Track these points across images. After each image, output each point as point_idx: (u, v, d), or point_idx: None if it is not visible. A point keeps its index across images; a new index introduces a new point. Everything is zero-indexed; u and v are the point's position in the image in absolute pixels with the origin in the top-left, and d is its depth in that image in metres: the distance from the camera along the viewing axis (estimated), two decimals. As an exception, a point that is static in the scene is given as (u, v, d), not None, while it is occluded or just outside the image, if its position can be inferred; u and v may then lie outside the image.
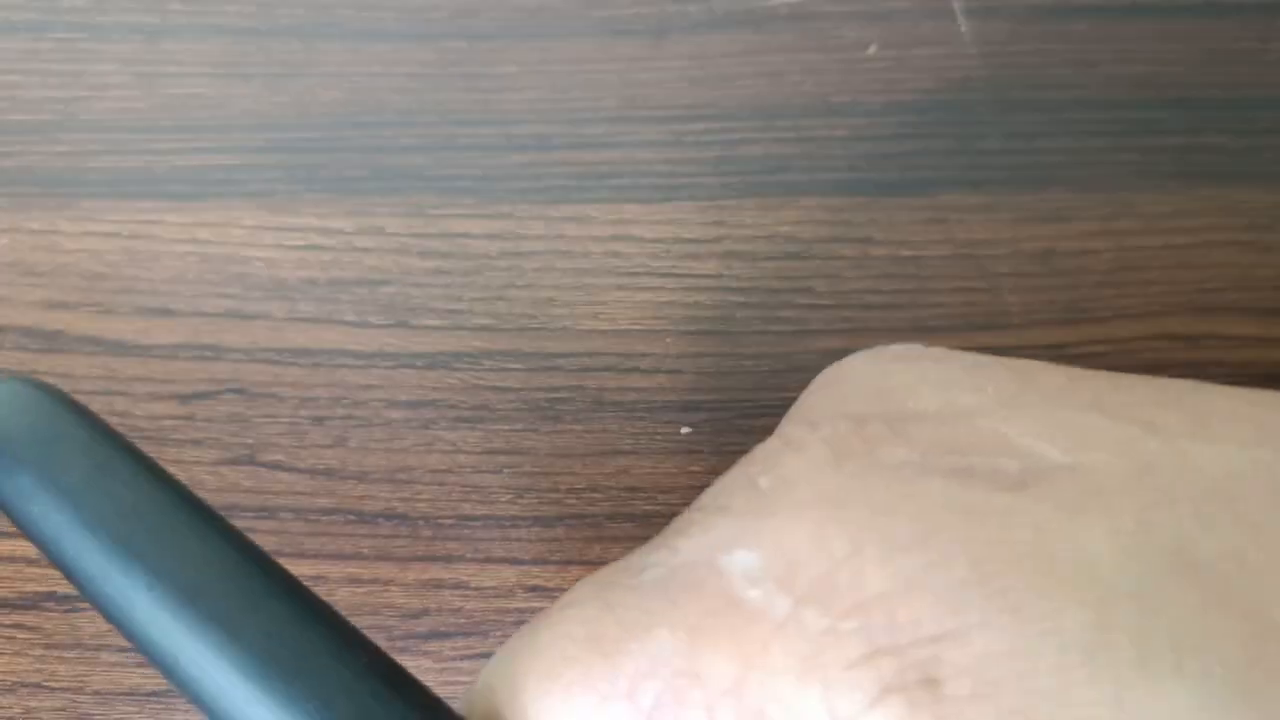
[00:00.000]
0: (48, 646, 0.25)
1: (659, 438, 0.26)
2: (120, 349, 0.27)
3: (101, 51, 0.30)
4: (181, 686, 0.16)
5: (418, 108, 0.29)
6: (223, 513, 0.26)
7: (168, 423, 0.26)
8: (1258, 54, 0.29)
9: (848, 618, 0.14)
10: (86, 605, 0.25)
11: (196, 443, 0.26)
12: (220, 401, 0.26)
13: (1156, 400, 0.16)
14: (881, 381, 0.17)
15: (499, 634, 0.25)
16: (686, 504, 0.26)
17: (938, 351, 0.18)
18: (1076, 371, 0.17)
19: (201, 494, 0.25)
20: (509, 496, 0.26)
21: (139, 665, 0.25)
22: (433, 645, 0.25)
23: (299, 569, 0.25)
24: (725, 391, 0.27)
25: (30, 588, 0.25)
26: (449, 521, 0.26)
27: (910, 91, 0.29)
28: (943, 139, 0.29)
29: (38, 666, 0.25)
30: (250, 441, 0.26)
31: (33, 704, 0.25)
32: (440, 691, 0.25)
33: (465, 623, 0.25)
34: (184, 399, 0.27)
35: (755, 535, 0.15)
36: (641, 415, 0.27)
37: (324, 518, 0.26)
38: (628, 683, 0.15)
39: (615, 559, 0.26)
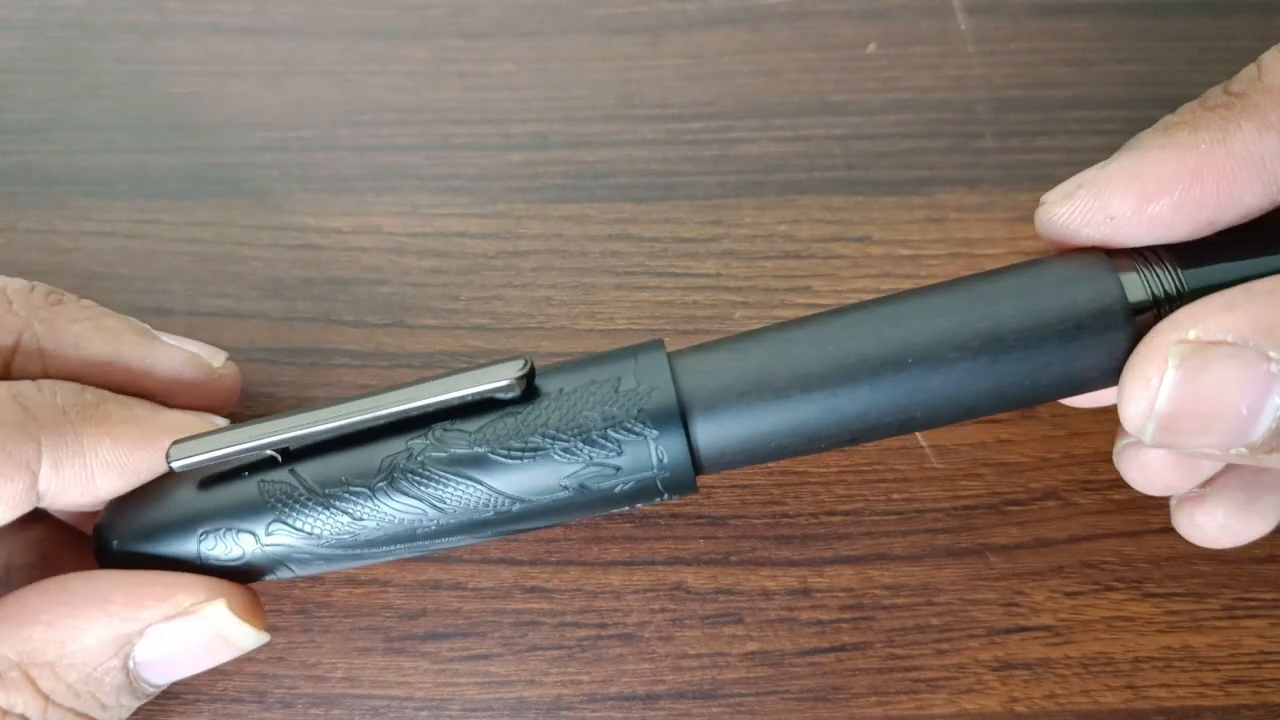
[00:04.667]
0: (44, 647, 0.25)
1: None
2: (116, 349, 0.27)
3: (97, 50, 0.29)
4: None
5: (414, 106, 0.29)
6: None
7: (164, 423, 0.26)
8: (1254, 53, 0.29)
9: None
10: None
11: (193, 443, 0.26)
12: (217, 401, 0.26)
13: None
14: None
15: (497, 635, 0.25)
16: (685, 504, 0.26)
17: None
18: None
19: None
20: (506, 496, 0.26)
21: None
22: (430, 646, 0.25)
23: (296, 569, 0.25)
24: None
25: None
26: (446, 521, 0.26)
27: (908, 90, 0.29)
28: (941, 138, 0.28)
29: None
30: (247, 441, 0.26)
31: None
32: (438, 692, 0.25)
33: (463, 623, 0.25)
34: (181, 399, 0.26)
35: None
36: (639, 415, 0.26)
37: (321, 518, 0.26)
38: None
39: (613, 559, 0.26)
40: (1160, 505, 0.26)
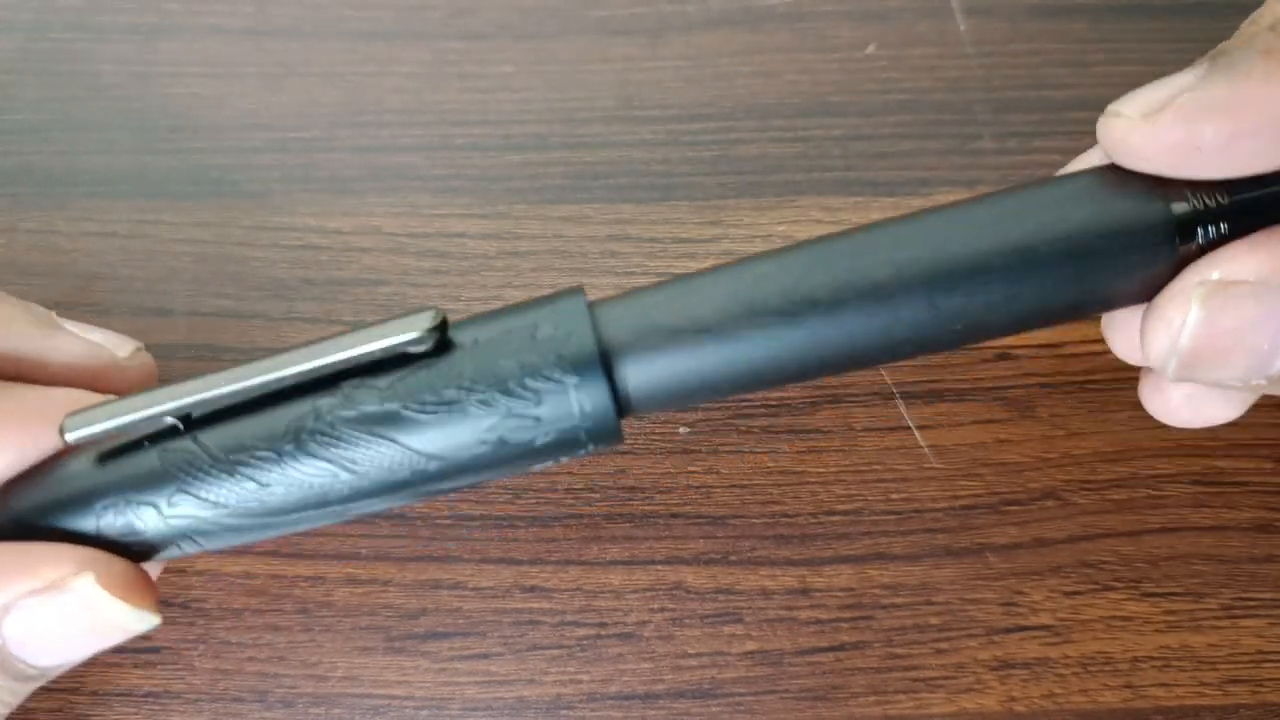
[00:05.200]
0: (45, 647, 0.25)
1: (656, 437, 0.26)
2: (117, 349, 0.27)
3: (98, 52, 0.30)
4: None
5: (414, 107, 0.29)
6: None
7: (165, 423, 0.26)
8: (1253, 54, 0.29)
9: None
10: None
11: (194, 443, 0.26)
12: (217, 401, 0.26)
13: None
14: None
15: (497, 634, 0.25)
16: (685, 504, 0.26)
17: None
18: None
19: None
20: (506, 496, 0.26)
21: (135, 666, 0.25)
22: (431, 645, 0.25)
23: (297, 569, 0.25)
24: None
25: (27, 588, 0.25)
26: (447, 521, 0.26)
27: (907, 91, 0.29)
28: (939, 139, 0.29)
29: (35, 667, 0.25)
30: (247, 441, 0.26)
31: (29, 704, 0.25)
32: (439, 692, 0.25)
33: (463, 623, 0.25)
34: (181, 399, 0.27)
35: None
36: (639, 415, 0.27)
37: (321, 518, 0.26)
38: None
39: (613, 559, 0.26)
40: (1159, 505, 0.26)
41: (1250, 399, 0.21)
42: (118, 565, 0.19)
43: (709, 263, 0.28)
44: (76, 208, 0.28)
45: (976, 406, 0.26)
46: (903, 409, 0.26)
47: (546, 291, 0.27)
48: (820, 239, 0.19)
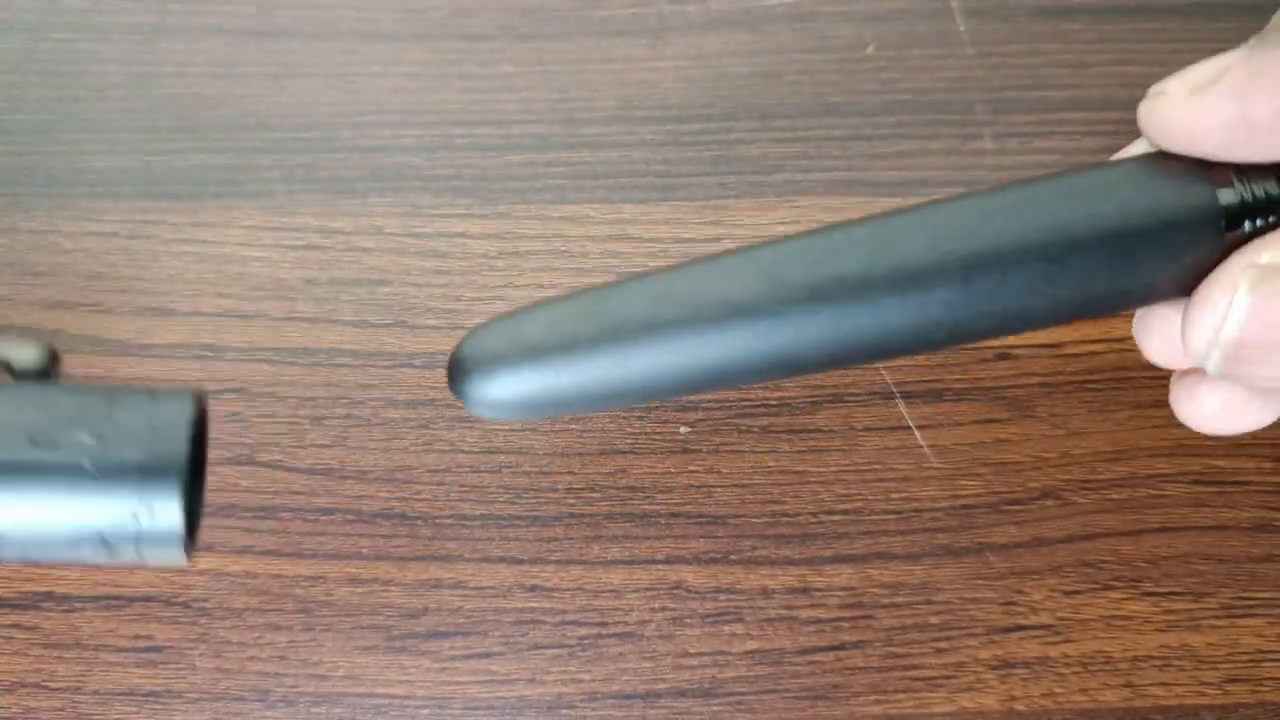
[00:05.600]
0: (46, 646, 0.25)
1: (657, 437, 0.26)
2: (120, 349, 0.27)
3: (100, 52, 0.30)
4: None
5: (416, 108, 0.29)
6: (222, 513, 0.26)
7: (167, 422, 0.26)
8: (1252, 54, 0.29)
9: None
10: (85, 605, 0.25)
11: (195, 442, 0.26)
12: (219, 401, 0.27)
13: None
14: None
15: (498, 633, 0.25)
16: (686, 504, 0.26)
17: None
18: None
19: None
20: (507, 496, 0.26)
21: (137, 665, 0.25)
22: (432, 645, 0.25)
23: (298, 569, 0.25)
24: (723, 391, 0.27)
25: (29, 587, 0.25)
26: (448, 521, 0.26)
27: (907, 91, 0.29)
28: (939, 139, 0.29)
29: (36, 666, 0.25)
30: (249, 441, 0.26)
31: (31, 704, 0.25)
32: (440, 691, 0.25)
33: (464, 622, 0.25)
34: (183, 399, 0.27)
35: None
36: (640, 415, 0.27)
37: (323, 517, 0.26)
38: None
39: (614, 559, 0.26)
40: (1158, 504, 0.26)
41: None
42: None
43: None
44: (78, 208, 0.28)
45: (976, 406, 0.26)
46: (903, 409, 0.27)
47: (548, 292, 0.28)
48: (867, 219, 0.19)
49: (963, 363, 0.27)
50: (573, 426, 0.27)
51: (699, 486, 0.26)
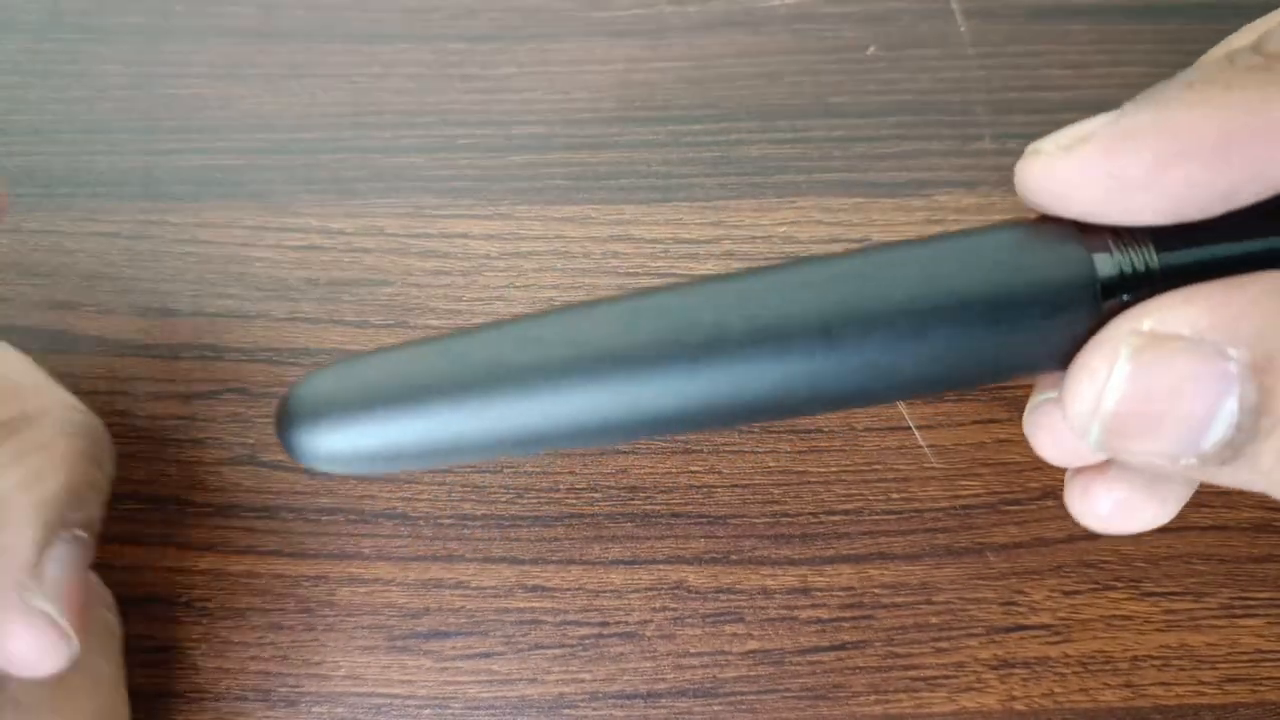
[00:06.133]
0: (50, 645, 0.25)
1: (658, 437, 0.26)
2: (122, 349, 0.27)
3: (103, 53, 0.30)
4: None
5: (417, 109, 0.29)
6: (223, 513, 0.26)
7: (169, 422, 0.26)
8: (1253, 55, 0.29)
9: None
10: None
11: (197, 442, 0.26)
12: (221, 401, 0.27)
13: None
14: None
15: (499, 633, 0.25)
16: (686, 504, 0.26)
17: None
18: None
19: (202, 494, 0.25)
20: (509, 496, 0.26)
21: (140, 666, 0.25)
22: (433, 645, 0.25)
23: (300, 569, 0.25)
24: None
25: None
26: (449, 521, 0.26)
27: (907, 92, 0.29)
28: (939, 140, 0.29)
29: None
30: (251, 441, 0.26)
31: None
32: (441, 690, 0.25)
33: (465, 622, 0.25)
34: (185, 399, 0.27)
35: None
36: (640, 415, 0.27)
37: (324, 517, 0.26)
38: None
39: (615, 559, 0.26)
40: (1158, 505, 0.26)
41: (1184, 495, 0.19)
42: None
43: (710, 264, 0.28)
44: (81, 208, 0.28)
45: (977, 406, 0.26)
46: (903, 409, 0.27)
47: (549, 292, 0.28)
48: (742, 273, 0.17)
49: (963, 363, 0.27)
50: (574, 427, 0.27)
51: (699, 487, 0.26)
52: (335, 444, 0.16)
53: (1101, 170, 0.16)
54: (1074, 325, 0.17)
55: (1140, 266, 0.17)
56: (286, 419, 0.16)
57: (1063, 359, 0.17)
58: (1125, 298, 0.16)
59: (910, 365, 0.17)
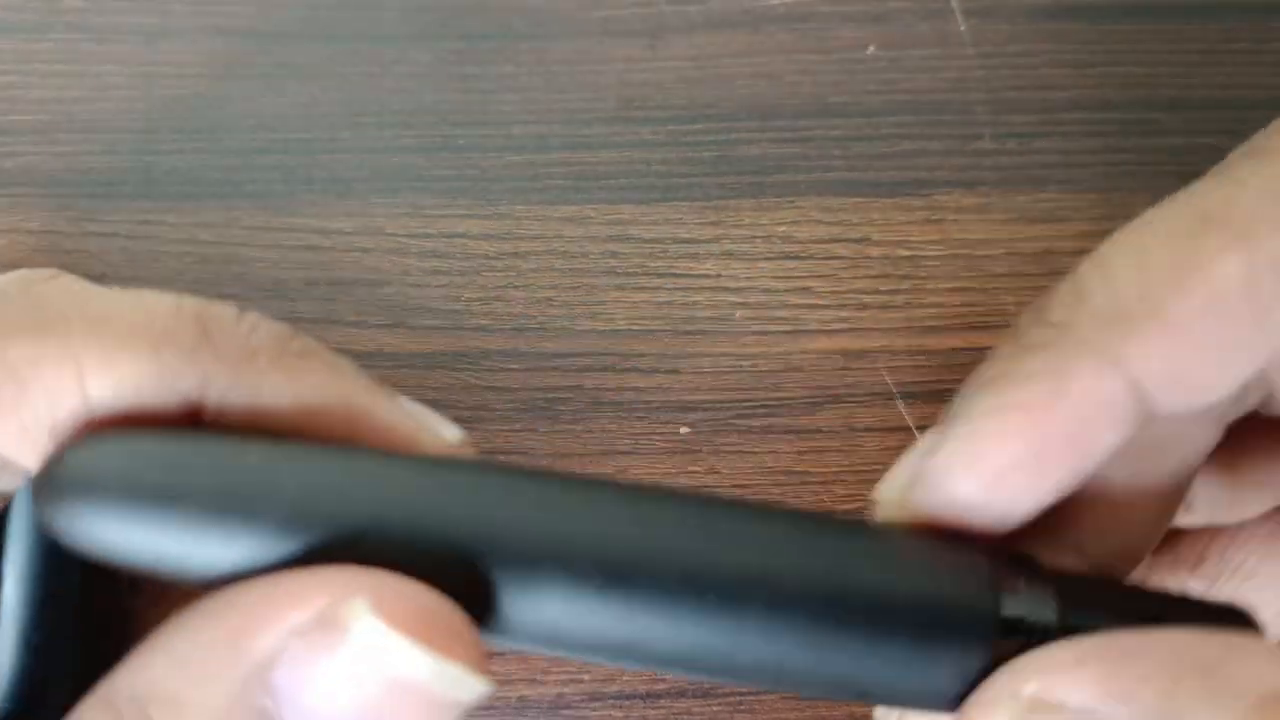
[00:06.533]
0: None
1: (657, 437, 0.26)
2: (120, 349, 0.27)
3: (101, 53, 0.30)
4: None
5: (416, 108, 0.29)
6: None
7: (167, 423, 0.26)
8: (1252, 55, 0.29)
9: None
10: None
11: (196, 443, 0.26)
12: (220, 402, 0.27)
13: None
14: None
15: (498, 633, 0.25)
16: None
17: None
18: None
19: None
20: (508, 496, 0.26)
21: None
22: (432, 644, 0.25)
23: (299, 568, 0.25)
24: (723, 391, 0.27)
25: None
26: (448, 521, 0.26)
27: (907, 92, 0.29)
28: (939, 139, 0.29)
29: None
30: (250, 441, 0.26)
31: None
32: (439, 690, 0.25)
33: (464, 622, 0.25)
34: (183, 399, 0.27)
35: None
36: (640, 415, 0.27)
37: (323, 517, 0.26)
38: None
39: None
40: (1158, 505, 0.26)
41: None
42: (408, 590, 0.14)
43: (709, 264, 0.28)
44: (79, 209, 0.28)
45: (976, 406, 0.26)
46: (903, 409, 0.27)
47: (548, 292, 0.28)
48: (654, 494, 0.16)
49: (964, 363, 0.27)
50: (572, 427, 0.27)
51: (700, 487, 0.26)
52: (96, 531, 0.15)
53: (940, 506, 0.16)
54: (962, 666, 0.15)
55: (1039, 624, 0.15)
56: (46, 487, 0.15)
57: (950, 700, 0.15)
58: (1022, 640, 0.15)
59: (798, 659, 0.15)
